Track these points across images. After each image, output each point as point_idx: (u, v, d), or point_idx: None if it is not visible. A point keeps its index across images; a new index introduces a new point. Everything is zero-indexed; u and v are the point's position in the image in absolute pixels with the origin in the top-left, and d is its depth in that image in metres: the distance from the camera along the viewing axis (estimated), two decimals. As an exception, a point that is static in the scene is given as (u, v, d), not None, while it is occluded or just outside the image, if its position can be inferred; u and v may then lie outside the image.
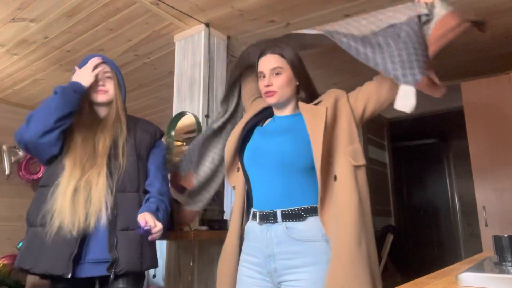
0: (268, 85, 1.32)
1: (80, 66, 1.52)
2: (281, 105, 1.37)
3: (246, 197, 1.35)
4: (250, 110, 1.48)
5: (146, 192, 1.49)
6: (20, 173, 3.97)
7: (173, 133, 2.46)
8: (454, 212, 4.55)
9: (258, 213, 1.26)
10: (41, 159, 1.42)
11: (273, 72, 1.33)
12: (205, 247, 2.28)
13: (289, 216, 1.20)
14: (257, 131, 1.38)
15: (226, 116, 1.68)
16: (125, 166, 1.42)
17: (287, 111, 1.39)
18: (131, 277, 1.40)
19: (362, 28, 1.32)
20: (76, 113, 1.42)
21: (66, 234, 1.29)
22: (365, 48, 1.24)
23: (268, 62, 1.34)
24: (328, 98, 1.31)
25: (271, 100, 1.34)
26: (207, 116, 2.45)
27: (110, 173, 1.40)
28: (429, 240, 4.55)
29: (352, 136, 1.25)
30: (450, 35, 1.19)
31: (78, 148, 1.40)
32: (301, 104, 1.34)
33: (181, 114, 2.49)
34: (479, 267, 0.75)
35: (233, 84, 1.67)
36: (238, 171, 1.38)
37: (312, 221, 1.19)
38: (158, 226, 1.35)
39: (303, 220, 1.20)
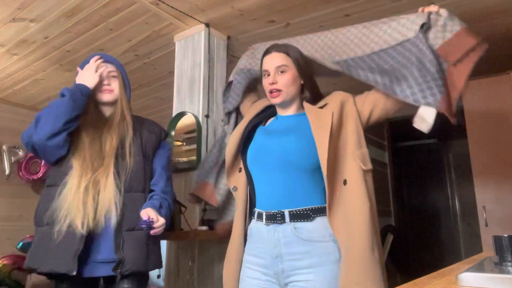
0: (273, 83, 1.31)
1: (82, 67, 1.52)
2: (286, 104, 1.35)
3: (249, 198, 1.34)
4: (252, 110, 1.47)
5: (150, 191, 1.49)
6: (20, 173, 3.96)
7: (173, 133, 2.47)
8: (454, 212, 4.55)
9: (264, 214, 1.24)
10: (49, 161, 1.41)
11: (278, 70, 1.32)
12: (205, 247, 2.28)
13: (297, 217, 1.19)
14: (260, 130, 1.37)
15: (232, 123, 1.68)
16: (132, 166, 1.43)
17: (291, 110, 1.37)
18: (136, 277, 1.40)
19: (372, 44, 1.33)
20: (82, 115, 1.42)
21: (74, 233, 1.29)
22: (383, 78, 1.26)
23: (273, 60, 1.33)
24: (334, 101, 1.30)
25: (276, 100, 1.32)
26: (207, 116, 2.45)
27: (117, 173, 1.40)
28: (429, 240, 4.55)
29: (360, 140, 1.24)
30: (474, 57, 1.19)
31: (85, 148, 1.40)
32: (306, 105, 1.33)
33: (181, 114, 2.49)
34: (479, 267, 0.75)
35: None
36: (240, 171, 1.37)
37: (319, 221, 1.18)
38: (161, 220, 1.36)
39: (311, 220, 1.18)
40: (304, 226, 1.18)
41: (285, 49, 1.35)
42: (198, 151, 2.36)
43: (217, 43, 2.67)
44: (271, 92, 1.32)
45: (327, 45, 1.43)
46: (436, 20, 1.24)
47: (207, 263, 2.27)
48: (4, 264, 3.34)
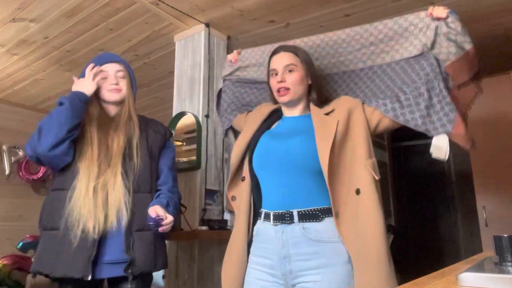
0: (281, 81, 1.30)
1: (83, 75, 1.51)
2: (293, 103, 1.34)
3: (252, 205, 1.32)
4: (255, 118, 1.43)
5: (157, 192, 1.49)
6: (20, 173, 3.96)
7: (173, 133, 2.47)
8: (454, 212, 4.55)
9: (272, 214, 1.23)
10: (55, 169, 1.41)
11: (286, 69, 1.31)
12: (205, 247, 2.28)
13: (306, 217, 1.18)
14: (265, 134, 1.35)
15: None
16: (140, 167, 1.42)
17: (298, 111, 1.36)
18: (141, 278, 1.39)
19: (376, 53, 1.34)
20: (82, 121, 1.41)
21: (85, 237, 1.29)
22: (393, 103, 1.27)
23: (282, 59, 1.33)
24: (341, 108, 1.29)
25: (284, 99, 1.31)
26: (207, 116, 2.45)
27: (125, 173, 1.39)
28: (429, 240, 4.55)
29: (370, 149, 1.24)
30: (478, 82, 1.21)
31: (91, 149, 1.39)
32: (312, 108, 1.32)
33: (181, 114, 2.49)
34: (479, 267, 0.75)
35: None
36: (243, 180, 1.35)
37: (328, 221, 1.17)
38: (169, 218, 1.36)
39: (320, 221, 1.17)
40: (312, 226, 1.17)
41: (293, 49, 1.35)
42: (198, 151, 2.36)
43: (217, 43, 2.67)
44: (278, 90, 1.31)
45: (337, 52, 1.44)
46: (448, 33, 1.22)
47: (207, 263, 2.27)
48: (4, 264, 3.34)
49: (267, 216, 1.25)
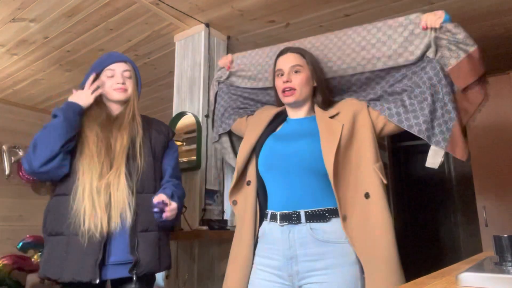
0: (287, 81, 1.30)
1: (94, 67, 1.51)
2: (298, 104, 1.34)
3: (258, 209, 1.31)
4: (260, 119, 1.43)
5: None
6: (20, 173, 3.96)
7: (175, 133, 2.47)
8: (454, 212, 4.55)
9: (278, 214, 1.22)
10: (55, 180, 1.40)
11: (293, 70, 1.31)
12: (205, 247, 2.27)
13: (313, 217, 1.17)
14: (270, 136, 1.35)
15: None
16: (143, 167, 1.42)
17: (302, 112, 1.36)
18: (144, 278, 1.39)
19: (379, 62, 1.32)
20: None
21: (91, 240, 1.28)
22: (397, 108, 1.27)
23: (288, 60, 1.33)
24: (346, 111, 1.29)
25: (289, 100, 1.31)
26: (207, 116, 2.45)
27: (129, 174, 1.38)
28: (429, 240, 4.55)
29: (377, 152, 1.24)
30: (484, 85, 1.19)
31: (92, 149, 1.38)
32: (317, 111, 1.32)
33: (181, 114, 2.50)
34: (479, 267, 0.75)
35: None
36: (248, 184, 1.34)
37: (335, 222, 1.17)
38: (173, 204, 1.35)
39: (327, 221, 1.17)
40: (320, 227, 1.17)
41: (300, 51, 1.36)
42: (198, 151, 2.36)
43: (217, 43, 2.67)
44: (284, 91, 1.31)
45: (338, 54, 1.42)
46: (446, 39, 1.22)
47: (207, 263, 2.27)
48: (4, 264, 3.34)
49: (273, 217, 1.24)
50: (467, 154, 1.19)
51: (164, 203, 1.32)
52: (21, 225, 3.89)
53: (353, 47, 1.36)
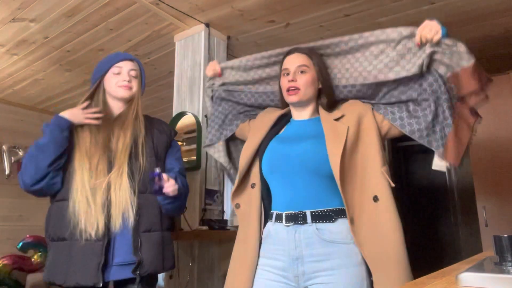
0: (292, 80, 1.30)
1: (101, 64, 1.51)
2: (302, 104, 1.34)
3: (263, 211, 1.31)
4: (263, 122, 1.42)
5: None
6: (20, 173, 3.96)
7: (177, 133, 2.47)
8: (454, 212, 4.55)
9: (284, 215, 1.21)
10: (50, 195, 1.41)
11: (299, 70, 1.31)
12: (205, 247, 2.27)
13: (319, 217, 1.17)
14: (275, 139, 1.34)
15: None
16: (145, 167, 1.40)
17: (306, 113, 1.36)
18: (147, 279, 1.39)
19: (377, 67, 1.30)
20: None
21: (93, 244, 1.28)
22: (401, 112, 1.27)
23: (295, 59, 1.33)
24: (351, 114, 1.28)
25: (293, 99, 1.31)
26: (207, 116, 2.45)
27: (132, 174, 1.37)
28: (429, 240, 4.55)
29: (383, 156, 1.23)
30: (484, 96, 1.17)
31: (84, 149, 1.37)
32: (322, 113, 1.31)
33: (181, 114, 2.50)
34: (479, 267, 0.75)
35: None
36: (253, 187, 1.33)
37: (341, 223, 1.17)
38: (171, 181, 1.34)
39: (333, 221, 1.17)
40: (326, 227, 1.16)
41: (307, 51, 1.35)
42: (198, 151, 2.36)
43: (217, 43, 2.67)
44: (288, 90, 1.31)
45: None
46: (442, 52, 1.20)
47: (207, 263, 2.27)
48: (4, 264, 3.34)
49: (278, 217, 1.23)
50: (459, 161, 1.19)
51: (160, 174, 1.30)
52: (21, 225, 3.89)
53: (348, 57, 1.36)
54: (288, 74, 1.32)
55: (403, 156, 4.76)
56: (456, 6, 2.37)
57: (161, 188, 1.32)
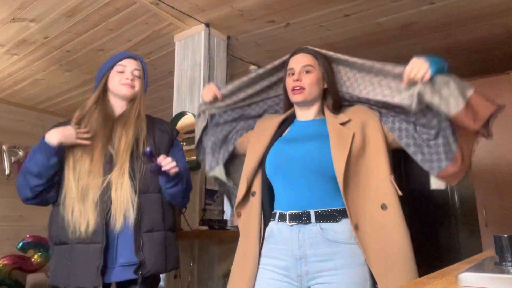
0: (297, 80, 1.30)
1: (105, 63, 1.51)
2: (306, 104, 1.34)
3: (262, 222, 1.30)
4: (265, 129, 1.40)
5: None
6: (20, 173, 3.96)
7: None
8: (454, 212, 4.55)
9: (287, 214, 1.21)
10: (50, 203, 1.41)
11: (304, 70, 1.31)
12: (205, 247, 2.28)
13: (323, 217, 1.17)
14: (279, 140, 1.33)
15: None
16: (147, 166, 1.39)
17: (311, 113, 1.35)
18: (149, 279, 1.38)
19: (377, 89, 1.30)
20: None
21: (93, 248, 1.28)
22: (408, 131, 1.27)
23: (300, 59, 1.34)
24: (357, 119, 1.28)
25: (297, 98, 1.31)
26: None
27: (133, 173, 1.37)
28: (429, 240, 4.55)
29: (389, 164, 1.23)
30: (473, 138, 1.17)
31: (77, 149, 1.37)
32: (327, 114, 1.31)
33: (181, 114, 2.50)
34: (479, 267, 0.75)
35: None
36: (253, 195, 1.32)
37: (345, 223, 1.16)
38: (168, 159, 1.32)
39: (337, 221, 1.16)
40: (330, 227, 1.16)
41: (313, 52, 1.36)
42: (198, 151, 2.36)
43: (217, 43, 2.67)
44: (293, 89, 1.31)
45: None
46: (438, 90, 1.16)
47: (207, 263, 2.27)
48: (4, 264, 3.34)
49: (282, 217, 1.22)
50: (457, 181, 1.21)
51: (152, 152, 1.28)
52: (21, 225, 3.89)
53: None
54: (293, 74, 1.33)
55: (403, 156, 4.76)
56: (456, 6, 2.37)
57: (158, 166, 1.30)
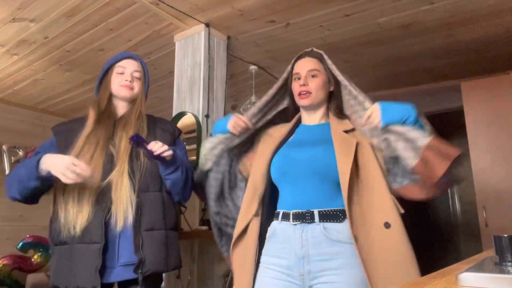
0: (304, 85, 1.32)
1: (105, 64, 1.51)
2: (313, 107, 1.35)
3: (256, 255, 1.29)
4: (275, 137, 1.39)
5: (169, 192, 1.46)
6: (20, 173, 3.96)
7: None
8: (454, 212, 4.55)
9: (291, 213, 1.21)
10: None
11: (310, 74, 1.33)
12: (205, 247, 2.28)
13: (326, 217, 1.17)
14: (286, 145, 1.34)
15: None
16: (147, 165, 1.40)
17: (317, 117, 1.37)
18: (151, 279, 1.38)
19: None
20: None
21: (92, 248, 1.28)
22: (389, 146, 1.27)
23: (306, 64, 1.35)
24: (360, 130, 1.29)
25: (304, 102, 1.32)
26: (207, 116, 2.45)
27: (132, 173, 1.37)
28: (429, 240, 4.55)
29: (388, 180, 1.23)
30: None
31: (86, 149, 1.36)
32: (332, 119, 1.32)
33: (181, 114, 2.50)
34: (479, 267, 0.75)
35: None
36: (256, 215, 1.30)
37: (347, 223, 1.16)
38: (159, 143, 1.31)
39: (340, 221, 1.17)
40: (333, 226, 1.16)
41: (318, 55, 1.37)
42: (198, 151, 2.36)
43: (217, 43, 2.67)
44: (300, 94, 1.32)
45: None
46: (395, 135, 1.17)
47: (207, 263, 2.27)
48: (4, 264, 3.34)
49: (285, 216, 1.23)
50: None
51: (139, 137, 1.28)
52: (21, 225, 3.89)
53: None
54: (299, 79, 1.34)
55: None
56: (456, 6, 2.37)
57: (150, 152, 1.30)
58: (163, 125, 1.57)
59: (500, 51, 3.00)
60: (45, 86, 3.64)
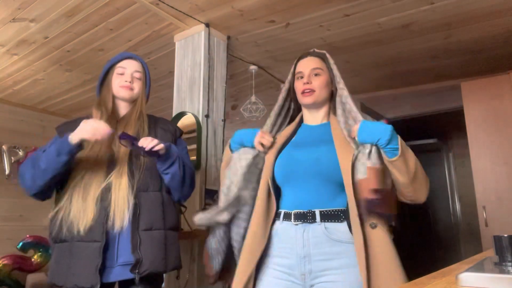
0: (307, 83, 1.32)
1: (106, 64, 1.51)
2: (316, 106, 1.35)
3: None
4: (281, 137, 1.38)
5: (169, 191, 1.47)
6: (20, 173, 3.96)
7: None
8: (454, 212, 4.55)
9: (293, 213, 1.22)
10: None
11: (313, 73, 1.34)
12: (205, 247, 2.27)
13: (328, 217, 1.18)
14: (289, 145, 1.34)
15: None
16: (147, 165, 1.40)
17: (319, 117, 1.37)
18: (150, 279, 1.37)
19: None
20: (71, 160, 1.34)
21: (92, 247, 1.28)
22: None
23: (309, 63, 1.36)
24: None
25: (307, 100, 1.33)
26: (207, 116, 2.45)
27: (132, 173, 1.37)
28: (429, 240, 4.55)
29: None
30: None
31: (86, 150, 1.37)
32: (332, 120, 1.33)
33: (181, 114, 2.50)
34: (479, 267, 0.75)
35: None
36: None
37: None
38: (148, 138, 1.31)
39: (341, 221, 1.17)
40: (335, 226, 1.17)
41: (321, 55, 1.38)
42: (198, 151, 2.36)
43: (217, 43, 2.67)
44: (303, 92, 1.33)
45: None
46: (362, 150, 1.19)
47: (207, 263, 2.27)
48: (4, 264, 3.34)
49: (287, 216, 1.24)
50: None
51: (126, 134, 1.29)
52: (21, 225, 3.89)
53: None
54: (302, 77, 1.35)
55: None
56: (456, 6, 2.37)
57: (142, 149, 1.30)
58: (164, 125, 1.57)
59: (500, 51, 3.00)
60: (45, 86, 3.64)
